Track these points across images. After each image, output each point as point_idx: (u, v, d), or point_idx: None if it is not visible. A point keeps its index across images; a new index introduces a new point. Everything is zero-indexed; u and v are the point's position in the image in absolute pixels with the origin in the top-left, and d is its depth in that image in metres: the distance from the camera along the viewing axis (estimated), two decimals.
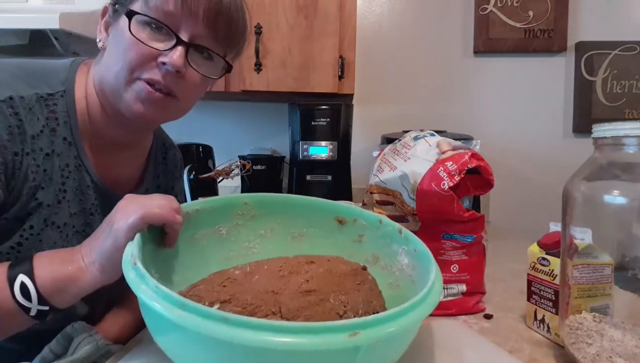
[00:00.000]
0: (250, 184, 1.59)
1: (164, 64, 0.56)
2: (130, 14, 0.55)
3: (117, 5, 0.59)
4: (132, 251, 0.44)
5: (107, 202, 0.65)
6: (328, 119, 1.46)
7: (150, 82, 0.57)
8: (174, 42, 0.56)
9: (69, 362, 0.54)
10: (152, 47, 0.56)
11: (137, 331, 0.64)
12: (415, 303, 0.40)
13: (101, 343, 0.57)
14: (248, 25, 0.65)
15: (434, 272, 0.46)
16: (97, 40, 0.61)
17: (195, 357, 0.38)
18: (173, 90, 0.58)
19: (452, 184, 0.61)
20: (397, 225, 0.60)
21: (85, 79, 0.63)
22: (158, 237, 0.52)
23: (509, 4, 1.72)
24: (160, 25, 0.56)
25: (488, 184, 0.66)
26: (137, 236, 0.46)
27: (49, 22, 1.17)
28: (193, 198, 1.39)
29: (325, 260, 0.57)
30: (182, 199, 0.84)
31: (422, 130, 0.76)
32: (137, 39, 0.55)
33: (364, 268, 0.58)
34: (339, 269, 0.55)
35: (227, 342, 0.33)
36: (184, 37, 0.57)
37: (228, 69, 0.63)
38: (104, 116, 0.62)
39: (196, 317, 0.34)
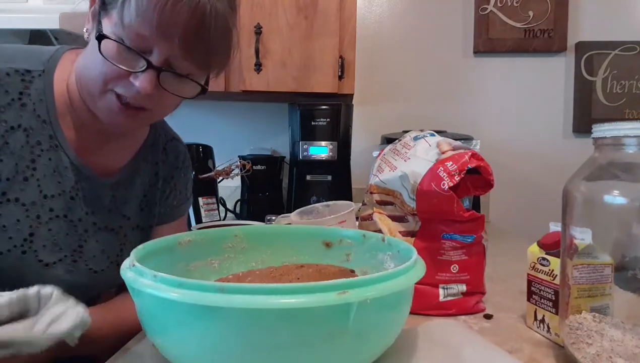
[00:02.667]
0: (250, 184, 1.59)
1: (132, 83, 0.55)
2: (100, 37, 0.54)
3: (102, 3, 0.57)
4: (130, 259, 0.45)
5: (90, 187, 0.65)
6: (328, 119, 1.46)
7: (122, 97, 0.57)
8: (142, 64, 0.55)
9: (47, 335, 0.44)
10: (122, 68, 0.55)
11: (120, 334, 0.60)
12: (403, 269, 0.42)
13: (85, 317, 0.48)
14: (233, 45, 0.62)
15: (415, 254, 0.48)
16: (84, 29, 0.60)
17: (195, 337, 0.38)
18: (145, 105, 0.58)
19: (452, 184, 0.61)
20: (379, 234, 0.61)
21: (70, 65, 0.63)
22: None
23: (509, 4, 1.72)
24: (131, 49, 0.54)
25: (488, 184, 0.66)
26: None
27: (49, 22, 1.18)
28: (193, 198, 1.39)
29: (314, 265, 0.61)
30: (184, 191, 0.82)
31: (422, 130, 0.76)
32: (107, 59, 0.54)
33: (352, 271, 0.60)
34: (327, 270, 0.59)
35: (225, 308, 0.36)
36: (157, 59, 0.55)
37: (202, 91, 0.62)
38: (84, 106, 0.62)
39: (195, 291, 0.36)
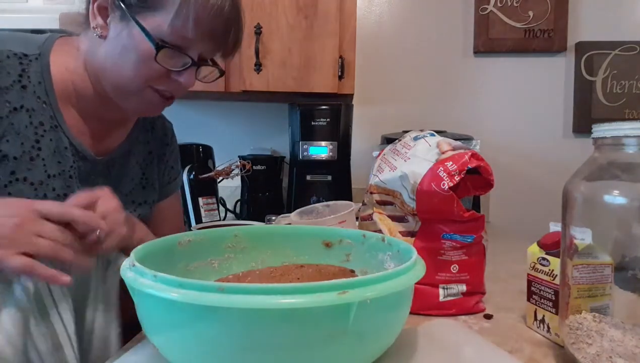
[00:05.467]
0: (250, 184, 1.59)
1: (176, 80, 0.62)
2: (159, 47, 0.59)
3: (130, 5, 0.60)
4: (130, 259, 0.44)
5: (86, 166, 0.68)
6: (328, 119, 1.46)
7: (162, 92, 0.63)
8: (187, 62, 0.61)
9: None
10: (168, 69, 0.61)
11: None
12: (403, 269, 0.42)
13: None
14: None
15: (415, 254, 0.48)
16: (92, 25, 0.62)
17: (195, 337, 0.38)
18: (180, 96, 0.67)
19: (452, 184, 0.61)
20: (379, 234, 0.61)
21: (68, 52, 0.66)
22: None
23: (509, 4, 1.72)
24: (180, 50, 0.60)
25: (488, 184, 0.66)
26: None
27: (49, 22, 1.18)
28: (193, 198, 1.39)
29: (314, 265, 0.61)
30: (176, 166, 0.88)
31: (422, 130, 0.76)
32: (160, 64, 0.60)
33: (352, 271, 0.60)
34: (327, 270, 0.59)
35: (225, 308, 0.36)
36: (195, 55, 0.62)
37: (221, 73, 0.69)
38: (94, 96, 0.66)
39: (194, 291, 0.36)
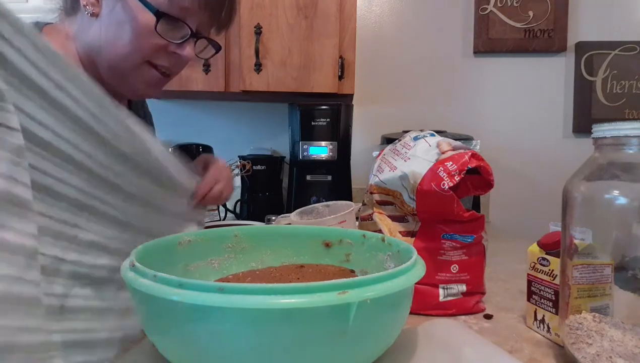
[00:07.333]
0: (250, 184, 1.59)
1: (175, 53, 0.60)
2: (159, 15, 0.57)
3: None
4: (130, 259, 0.44)
5: None
6: (328, 119, 1.47)
7: (160, 68, 0.61)
8: (186, 34, 0.60)
9: None
10: (168, 41, 0.59)
11: None
12: (403, 269, 0.42)
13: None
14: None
15: (415, 254, 0.48)
16: (83, 3, 0.60)
17: (195, 337, 0.38)
18: (178, 72, 0.65)
19: (452, 184, 0.61)
20: (379, 234, 0.61)
21: (57, 40, 0.64)
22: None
23: (509, 4, 1.72)
24: (179, 21, 0.59)
25: (488, 184, 0.66)
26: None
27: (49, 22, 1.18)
28: None
29: (314, 265, 0.62)
30: None
31: (422, 130, 0.76)
32: (160, 36, 0.58)
33: (352, 271, 0.60)
34: (327, 270, 0.60)
35: (225, 308, 0.36)
36: (193, 26, 0.60)
37: (217, 49, 0.68)
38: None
39: (195, 291, 0.36)
